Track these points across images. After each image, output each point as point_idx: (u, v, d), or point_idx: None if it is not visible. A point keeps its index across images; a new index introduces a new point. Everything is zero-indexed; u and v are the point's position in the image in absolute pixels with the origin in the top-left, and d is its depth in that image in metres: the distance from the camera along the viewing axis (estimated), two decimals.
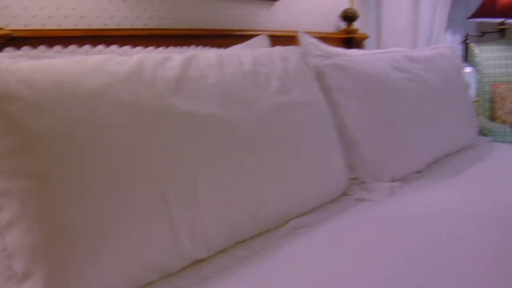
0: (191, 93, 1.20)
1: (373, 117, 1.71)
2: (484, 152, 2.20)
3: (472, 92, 3.20)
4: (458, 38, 3.72)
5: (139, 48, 1.54)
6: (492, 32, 3.78)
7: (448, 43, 3.69)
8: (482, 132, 3.21)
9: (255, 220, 1.27)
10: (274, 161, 1.32)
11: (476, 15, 3.64)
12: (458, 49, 3.70)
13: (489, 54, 3.79)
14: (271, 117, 1.35)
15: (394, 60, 1.88)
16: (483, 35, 3.87)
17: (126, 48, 1.49)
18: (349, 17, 2.65)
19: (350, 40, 2.63)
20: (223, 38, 2.00)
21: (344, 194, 1.62)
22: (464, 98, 2.26)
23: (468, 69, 3.21)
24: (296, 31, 1.90)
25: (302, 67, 1.56)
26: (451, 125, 2.07)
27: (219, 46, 1.77)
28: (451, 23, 3.79)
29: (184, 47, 1.68)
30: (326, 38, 2.30)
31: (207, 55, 1.35)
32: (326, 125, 1.55)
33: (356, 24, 2.72)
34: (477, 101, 3.26)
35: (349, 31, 2.66)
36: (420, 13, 2.76)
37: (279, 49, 1.57)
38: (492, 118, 3.73)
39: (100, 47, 1.45)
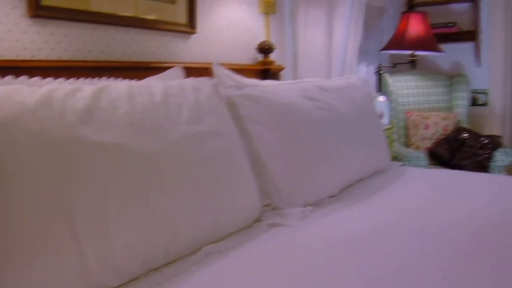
0: (101, 123, 1.24)
1: (285, 145, 1.80)
2: (395, 176, 2.36)
3: (386, 119, 3.39)
4: (373, 69, 3.94)
5: (49, 79, 1.55)
6: (404, 63, 4.03)
7: (363, 74, 3.91)
8: (398, 158, 3.40)
9: (168, 248, 1.31)
10: (186, 189, 1.37)
11: (387, 47, 3.89)
12: (373, 80, 3.92)
13: (402, 84, 4.05)
14: (183, 146, 1.40)
15: (305, 89, 2.00)
16: (395, 66, 4.13)
17: (35, 79, 1.51)
18: (265, 49, 2.77)
19: (267, 72, 2.75)
20: (139, 70, 2.05)
21: (258, 220, 1.68)
22: (375, 125, 2.42)
23: (382, 98, 3.41)
24: (212, 63, 1.98)
25: (214, 97, 1.64)
26: (362, 151, 2.21)
27: (135, 78, 1.81)
28: (365, 55, 4.03)
29: (96, 79, 1.71)
30: (243, 70, 2.40)
31: (118, 86, 1.40)
32: (238, 154, 1.62)
33: (272, 56, 2.84)
34: (391, 128, 3.45)
35: (265, 62, 2.78)
36: (333, 45, 2.93)
37: (191, 80, 1.64)
38: (407, 144, 3.97)
39: (8, 77, 1.46)
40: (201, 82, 1.65)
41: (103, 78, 1.73)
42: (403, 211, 1.80)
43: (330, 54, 2.94)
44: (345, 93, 2.23)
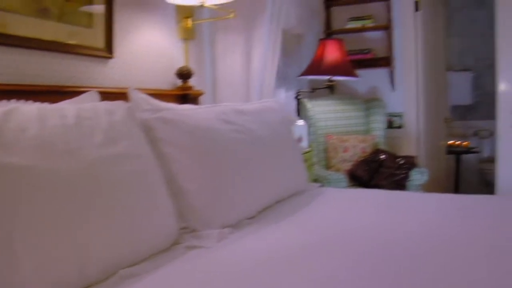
0: (8, 145, 1.23)
1: (202, 167, 1.84)
2: (313, 197, 2.45)
3: (305, 143, 3.50)
4: (292, 94, 4.07)
5: None
6: (322, 88, 4.19)
7: (283, 99, 4.03)
8: (318, 180, 3.51)
9: (81, 272, 1.30)
10: (100, 212, 1.38)
11: (306, 73, 4.04)
12: (292, 105, 4.04)
13: (321, 108, 4.20)
14: (96, 169, 1.41)
15: (222, 113, 2.05)
16: (313, 91, 4.28)
17: None
18: (184, 74, 2.81)
19: (186, 97, 2.79)
20: (53, 94, 2.02)
21: (176, 243, 1.70)
22: (291, 147, 2.51)
23: (301, 122, 3.52)
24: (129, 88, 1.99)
25: (128, 120, 1.65)
26: (280, 172, 2.28)
27: (48, 102, 1.79)
28: (285, 81, 4.16)
29: (5, 102, 1.68)
30: (161, 95, 2.43)
31: (28, 108, 1.39)
32: (154, 176, 1.64)
33: (192, 81, 2.88)
34: (310, 151, 3.56)
35: (184, 88, 2.82)
36: (252, 70, 3.02)
37: (105, 104, 1.65)
38: (328, 167, 4.10)
39: None
40: (115, 105, 1.67)
41: (13, 101, 1.70)
42: (322, 229, 1.87)
43: (248, 79, 3.03)
44: (262, 116, 2.30)
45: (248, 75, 3.04)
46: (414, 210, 2.18)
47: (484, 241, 1.65)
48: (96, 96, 1.94)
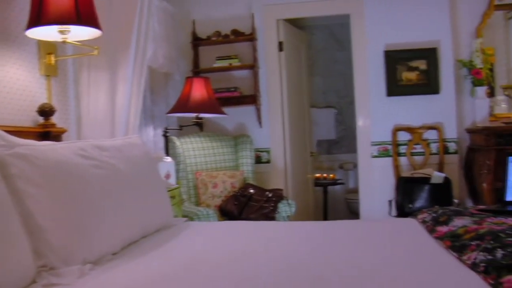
0: None
1: (59, 203, 1.84)
2: (179, 231, 2.51)
3: (173, 180, 3.57)
4: (161, 132, 4.13)
5: None
6: (190, 125, 4.30)
7: (151, 136, 4.09)
8: (189, 217, 3.58)
9: None
10: None
11: (173, 111, 4.14)
12: (161, 142, 4.10)
13: (189, 146, 4.30)
14: None
15: (81, 149, 2.07)
16: (181, 129, 4.38)
17: None
18: (45, 111, 2.78)
19: (48, 134, 2.75)
20: None
21: (33, 282, 1.67)
22: (155, 182, 2.56)
23: (168, 159, 3.59)
24: None
25: None
26: (143, 208, 2.32)
27: None
28: (153, 119, 4.23)
29: None
30: (21, 132, 2.39)
31: None
32: (8, 214, 1.61)
33: (55, 119, 2.85)
34: (178, 188, 3.63)
35: (46, 125, 2.78)
36: (117, 107, 3.05)
37: None
38: (198, 203, 4.19)
39: None
40: None
41: None
42: (185, 260, 1.94)
43: (113, 116, 3.05)
44: (124, 152, 2.35)
45: (113, 112, 3.07)
46: (277, 237, 2.32)
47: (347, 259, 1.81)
48: None
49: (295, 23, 5.63)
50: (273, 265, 1.79)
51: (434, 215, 2.32)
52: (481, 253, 1.60)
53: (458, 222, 2.07)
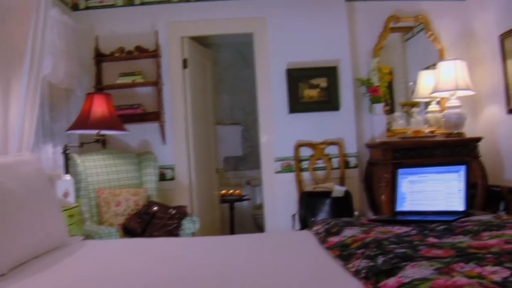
0: None
1: None
2: (73, 250, 2.45)
3: (72, 198, 3.48)
4: (61, 149, 4.01)
5: None
6: (92, 142, 4.22)
7: (50, 154, 3.96)
8: (90, 236, 3.49)
9: None
10: None
11: (73, 127, 4.04)
12: (61, 160, 3.98)
13: (91, 163, 4.21)
14: None
15: None
16: (82, 146, 4.28)
17: None
18: None
19: None
20: None
21: None
22: (50, 201, 2.49)
23: (67, 177, 3.50)
24: None
25: None
26: (35, 227, 2.25)
27: None
28: (53, 136, 4.10)
29: None
30: None
31: None
32: None
33: None
34: (77, 206, 3.54)
35: None
36: (10, 123, 2.93)
37: None
38: (101, 222, 4.09)
39: None
40: None
41: None
42: (76, 278, 1.90)
43: (6, 132, 2.93)
44: (14, 170, 2.27)
45: (6, 129, 2.95)
46: (174, 253, 2.33)
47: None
48: None
49: (201, 41, 5.69)
50: (165, 280, 1.80)
51: (327, 226, 2.42)
52: (363, 260, 1.69)
53: (348, 232, 2.18)
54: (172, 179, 4.86)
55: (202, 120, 5.35)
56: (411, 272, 1.44)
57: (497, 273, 1.43)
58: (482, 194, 4.62)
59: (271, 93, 4.94)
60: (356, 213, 4.59)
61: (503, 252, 1.70)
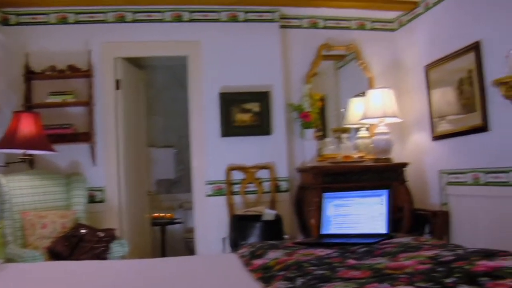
0: None
1: None
2: None
3: None
4: None
5: None
6: (18, 162, 4.11)
7: None
8: (13, 260, 3.38)
9: None
10: None
11: None
12: None
13: (17, 184, 4.09)
14: None
15: None
16: (8, 165, 4.16)
17: None
18: None
19: None
20: None
21: None
22: None
23: None
24: None
25: None
26: None
27: None
28: None
29: None
30: None
31: None
32: None
33: None
34: (1, 228, 3.44)
35: None
36: None
37: None
38: (25, 245, 3.97)
39: None
40: None
41: None
42: None
43: None
44: None
45: None
46: (95, 275, 2.30)
47: None
48: None
49: (136, 62, 5.68)
50: None
51: (252, 249, 2.47)
52: (283, 282, 1.75)
53: (272, 255, 2.23)
54: (102, 201, 4.78)
55: (134, 142, 5.32)
56: None
57: None
58: (408, 217, 4.82)
59: (204, 116, 4.99)
60: (286, 236, 4.67)
61: (416, 272, 1.80)
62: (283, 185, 5.08)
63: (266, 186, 5.02)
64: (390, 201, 2.78)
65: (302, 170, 5.07)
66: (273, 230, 4.57)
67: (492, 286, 1.58)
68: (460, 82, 4.54)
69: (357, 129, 5.45)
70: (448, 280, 1.66)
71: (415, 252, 2.18)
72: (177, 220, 6.47)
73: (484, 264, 1.84)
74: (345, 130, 5.46)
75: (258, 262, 2.21)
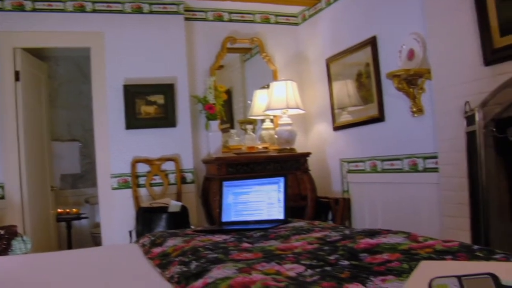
0: None
1: None
2: None
3: None
4: None
5: None
6: None
7: None
8: None
9: None
10: None
11: None
12: None
13: None
14: None
15: None
16: None
17: None
18: None
19: None
20: None
21: None
22: None
23: None
24: None
25: None
26: None
27: None
28: None
29: None
30: None
31: None
32: None
33: None
34: None
35: None
36: None
37: None
38: None
39: None
40: None
41: None
42: None
43: None
44: None
45: None
46: None
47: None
48: None
49: (37, 53, 5.52)
50: None
51: (152, 238, 2.53)
52: (178, 266, 1.83)
53: (170, 243, 2.30)
54: (1, 197, 4.62)
55: (36, 136, 5.18)
56: (216, 273, 1.60)
57: (293, 270, 1.64)
58: (312, 205, 5.04)
59: (108, 108, 4.94)
60: (192, 227, 4.74)
61: (304, 251, 1.94)
62: (189, 176, 5.15)
63: (172, 178, 5.07)
64: (286, 188, 2.92)
65: (207, 162, 5.16)
66: (179, 222, 4.63)
67: (370, 260, 1.73)
68: (359, 75, 4.81)
69: (262, 121, 5.61)
70: (331, 257, 1.80)
71: (306, 234, 2.33)
72: (83, 215, 6.37)
73: (366, 241, 2.01)
74: (251, 122, 5.60)
75: (157, 250, 2.27)
